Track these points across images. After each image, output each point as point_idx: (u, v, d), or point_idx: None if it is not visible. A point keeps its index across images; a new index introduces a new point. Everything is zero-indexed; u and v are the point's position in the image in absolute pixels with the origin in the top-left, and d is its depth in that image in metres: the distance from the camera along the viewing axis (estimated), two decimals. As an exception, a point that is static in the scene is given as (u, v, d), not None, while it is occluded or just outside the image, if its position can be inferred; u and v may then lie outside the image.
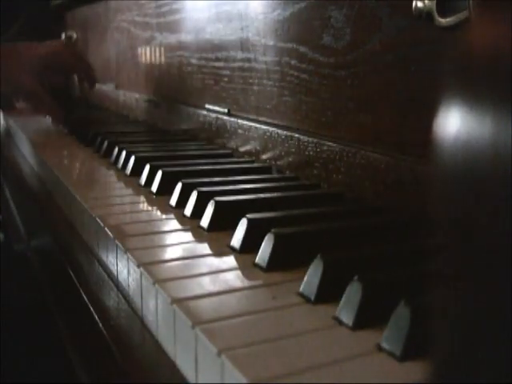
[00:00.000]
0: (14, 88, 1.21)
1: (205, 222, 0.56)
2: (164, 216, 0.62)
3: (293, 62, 0.74)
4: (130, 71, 1.45)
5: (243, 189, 0.65)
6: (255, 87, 0.84)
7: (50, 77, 1.28)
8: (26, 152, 1.22)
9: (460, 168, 0.19)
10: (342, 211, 0.58)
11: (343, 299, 0.38)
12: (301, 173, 0.72)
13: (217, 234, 0.54)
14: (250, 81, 0.85)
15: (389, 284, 0.38)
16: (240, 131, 0.87)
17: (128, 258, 0.50)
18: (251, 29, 0.84)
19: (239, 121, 0.88)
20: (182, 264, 0.48)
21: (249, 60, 0.85)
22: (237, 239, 0.51)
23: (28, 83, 1.20)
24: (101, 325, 0.50)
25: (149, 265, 0.47)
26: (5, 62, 1.17)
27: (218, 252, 0.50)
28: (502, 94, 0.18)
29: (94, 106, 1.71)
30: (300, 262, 0.44)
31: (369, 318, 0.36)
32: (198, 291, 0.41)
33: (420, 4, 0.53)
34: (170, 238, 0.55)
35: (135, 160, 0.82)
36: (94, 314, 0.52)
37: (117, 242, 0.53)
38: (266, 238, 0.47)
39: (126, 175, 0.82)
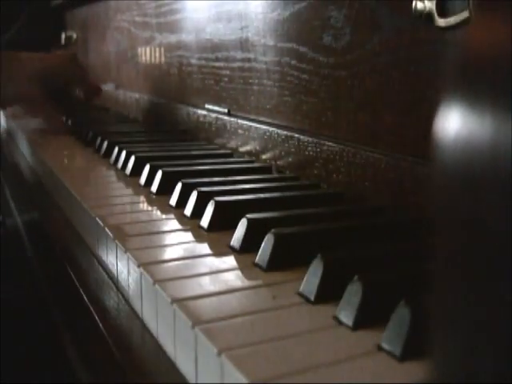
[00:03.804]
0: (12, 92, 1.22)
1: (205, 221, 0.56)
2: (164, 216, 0.62)
3: (293, 62, 0.74)
4: (130, 71, 1.45)
5: (243, 189, 0.65)
6: (255, 87, 0.84)
7: (50, 83, 1.28)
8: (25, 152, 1.22)
9: (460, 168, 0.19)
10: (342, 211, 0.58)
11: (343, 299, 0.38)
12: (301, 173, 0.72)
13: (217, 234, 0.54)
14: (250, 81, 0.85)
15: (389, 284, 0.38)
16: (240, 131, 0.87)
17: (128, 258, 0.50)
18: (251, 29, 0.84)
19: (239, 121, 0.88)
20: (181, 264, 0.48)
21: (249, 60, 0.85)
22: (237, 239, 0.51)
23: (28, 90, 1.21)
24: (101, 325, 0.50)
25: (149, 265, 0.47)
26: (6, 66, 1.18)
27: (218, 252, 0.50)
28: (502, 94, 0.18)
29: (94, 106, 1.70)
30: (300, 261, 0.44)
31: (369, 317, 0.36)
32: (198, 291, 0.41)
33: (420, 4, 0.53)
34: (169, 238, 0.55)
35: (135, 160, 0.82)
36: (94, 314, 0.52)
37: (117, 241, 0.53)
38: (266, 238, 0.47)
39: (125, 175, 0.81)
